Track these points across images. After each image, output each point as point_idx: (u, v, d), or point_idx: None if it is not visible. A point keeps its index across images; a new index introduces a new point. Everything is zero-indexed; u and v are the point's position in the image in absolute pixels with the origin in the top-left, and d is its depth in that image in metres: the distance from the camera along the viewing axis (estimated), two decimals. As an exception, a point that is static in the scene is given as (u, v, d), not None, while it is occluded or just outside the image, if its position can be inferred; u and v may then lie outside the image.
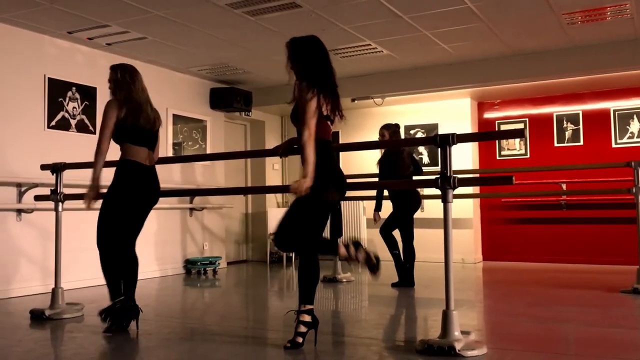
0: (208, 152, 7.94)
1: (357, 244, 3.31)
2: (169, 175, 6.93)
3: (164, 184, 4.12)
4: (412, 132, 8.46)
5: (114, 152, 3.86)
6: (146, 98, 3.90)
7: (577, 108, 7.95)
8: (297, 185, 3.07)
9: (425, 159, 8.37)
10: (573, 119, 7.96)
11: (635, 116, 7.60)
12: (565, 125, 8.00)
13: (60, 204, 4.52)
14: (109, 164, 3.88)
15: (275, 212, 8.73)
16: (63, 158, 4.88)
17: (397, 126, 5.82)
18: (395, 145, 5.78)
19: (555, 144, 8.04)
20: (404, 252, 5.75)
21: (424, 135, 8.30)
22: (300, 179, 3.09)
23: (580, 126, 7.90)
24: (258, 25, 5.76)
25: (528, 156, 8.17)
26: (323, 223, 3.33)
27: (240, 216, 9.08)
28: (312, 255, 3.27)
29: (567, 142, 7.98)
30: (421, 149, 8.42)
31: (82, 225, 6.08)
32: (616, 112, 7.71)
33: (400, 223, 5.75)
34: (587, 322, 4.00)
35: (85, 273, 6.03)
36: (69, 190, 4.77)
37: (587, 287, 5.60)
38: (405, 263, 5.71)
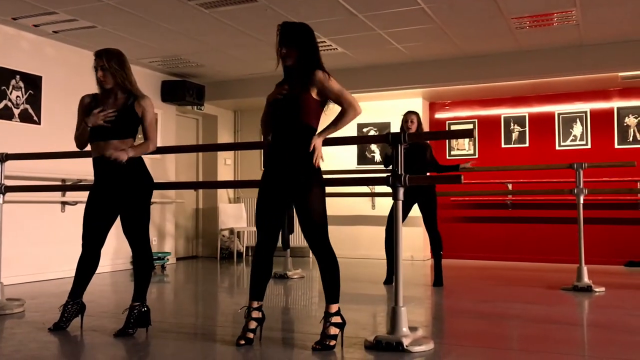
0: (158, 145, 7.78)
1: None
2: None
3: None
4: (364, 130, 8.53)
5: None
6: None
7: (523, 111, 8.19)
8: (316, 142, 3.10)
9: (377, 157, 8.46)
10: (520, 121, 8.19)
11: (578, 120, 7.88)
12: (512, 127, 8.23)
13: (1, 195, 4.35)
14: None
15: (226, 208, 8.66)
16: (5, 148, 4.71)
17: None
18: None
19: (503, 145, 8.26)
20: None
21: (376, 134, 8.38)
22: (317, 137, 3.12)
23: (527, 128, 8.14)
24: (212, 18, 5.69)
25: (476, 156, 8.36)
26: None
27: (191, 211, 8.96)
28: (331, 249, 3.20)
29: (513, 144, 8.21)
30: (373, 146, 8.51)
31: (24, 219, 5.89)
32: (560, 116, 7.98)
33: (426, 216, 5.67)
34: (530, 318, 4.12)
35: (27, 268, 5.83)
36: (11, 182, 4.60)
37: (531, 284, 5.78)
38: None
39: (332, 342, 3.10)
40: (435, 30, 6.12)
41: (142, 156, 3.65)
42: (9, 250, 5.45)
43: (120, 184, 3.52)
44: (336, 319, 3.14)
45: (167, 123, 8.04)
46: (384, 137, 3.32)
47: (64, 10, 5.44)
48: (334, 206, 8.45)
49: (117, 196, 3.54)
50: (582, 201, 5.36)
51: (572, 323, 4.09)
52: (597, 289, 5.17)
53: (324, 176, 3.26)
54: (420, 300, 5.01)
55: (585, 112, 7.85)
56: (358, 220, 8.32)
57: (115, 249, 6.69)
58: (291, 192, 3.17)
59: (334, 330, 3.12)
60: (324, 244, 3.16)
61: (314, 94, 3.15)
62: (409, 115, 5.61)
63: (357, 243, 8.28)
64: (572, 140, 7.90)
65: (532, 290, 5.38)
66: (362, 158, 8.55)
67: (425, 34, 6.25)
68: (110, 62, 3.50)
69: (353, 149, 8.56)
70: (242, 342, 3.16)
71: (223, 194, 9.17)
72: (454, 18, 5.76)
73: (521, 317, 4.18)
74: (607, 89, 7.72)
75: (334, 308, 3.15)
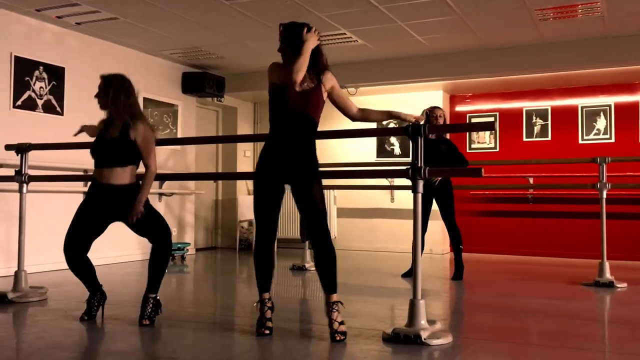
0: (179, 137, 7.85)
1: None
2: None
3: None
4: (384, 122, 8.48)
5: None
6: None
7: (546, 104, 8.07)
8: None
9: (397, 150, 8.42)
10: (542, 114, 8.09)
11: (602, 113, 7.75)
12: (534, 120, 8.13)
13: (24, 185, 4.43)
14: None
15: (245, 199, 8.70)
16: (29, 139, 4.77)
17: None
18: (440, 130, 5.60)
19: (524, 139, 8.16)
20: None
21: (396, 126, 8.34)
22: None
23: (549, 122, 8.03)
24: (233, 10, 5.69)
25: (497, 150, 8.28)
26: None
27: (211, 203, 9.02)
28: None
29: (535, 137, 8.10)
30: (393, 139, 8.47)
31: (47, 208, 5.97)
32: (584, 109, 7.85)
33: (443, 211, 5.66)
34: (550, 313, 4.08)
35: (49, 256, 5.91)
36: (34, 172, 4.67)
37: (551, 279, 5.72)
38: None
39: (343, 328, 3.14)
40: (457, 22, 6.06)
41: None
42: (33, 239, 5.54)
43: (119, 209, 3.53)
44: (337, 305, 3.19)
45: (188, 115, 8.08)
46: (404, 129, 3.30)
47: (87, 2, 5.48)
48: (353, 198, 8.46)
49: (115, 218, 3.58)
50: (605, 196, 5.27)
51: (592, 319, 4.04)
52: (619, 285, 5.10)
53: (345, 168, 3.30)
54: (439, 293, 5.00)
55: (610, 106, 7.72)
56: (376, 213, 8.30)
57: (139, 238, 6.76)
58: (292, 183, 3.21)
59: (337, 315, 3.16)
60: (326, 233, 3.22)
61: (324, 91, 3.26)
62: (438, 111, 5.56)
63: (375, 236, 8.27)
64: (595, 134, 7.78)
65: (552, 286, 5.33)
66: (382, 151, 8.51)
67: (446, 26, 6.19)
68: (107, 87, 3.53)
69: (372, 142, 8.52)
70: (267, 331, 3.20)
71: (242, 185, 9.20)
72: (476, 9, 5.69)
73: (541, 312, 4.14)
74: (632, 82, 7.57)
75: (335, 297, 3.21)
